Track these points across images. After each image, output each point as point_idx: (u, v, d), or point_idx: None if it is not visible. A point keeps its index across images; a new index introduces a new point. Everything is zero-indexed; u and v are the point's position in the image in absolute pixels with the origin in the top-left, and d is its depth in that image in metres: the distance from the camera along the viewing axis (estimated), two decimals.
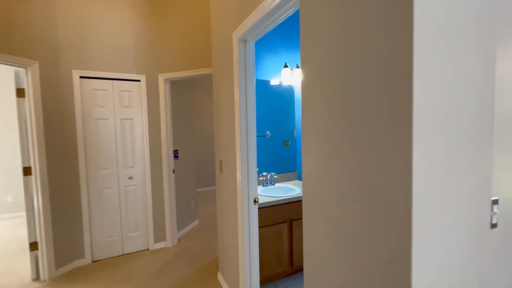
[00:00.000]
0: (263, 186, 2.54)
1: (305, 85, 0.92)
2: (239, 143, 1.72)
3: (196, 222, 3.71)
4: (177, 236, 3.17)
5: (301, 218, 2.28)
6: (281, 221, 2.18)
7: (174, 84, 3.18)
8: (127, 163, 2.83)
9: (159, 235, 3.00)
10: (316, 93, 0.86)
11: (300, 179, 2.87)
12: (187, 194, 3.50)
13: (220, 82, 2.11)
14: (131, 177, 2.84)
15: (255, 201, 1.77)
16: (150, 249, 2.95)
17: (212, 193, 5.62)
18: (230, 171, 1.95)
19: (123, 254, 2.84)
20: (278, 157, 2.71)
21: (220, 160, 2.17)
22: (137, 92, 2.85)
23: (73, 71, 2.54)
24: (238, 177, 1.76)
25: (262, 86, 2.55)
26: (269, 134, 2.64)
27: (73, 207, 2.59)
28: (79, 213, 2.61)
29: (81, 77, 2.59)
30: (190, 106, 3.58)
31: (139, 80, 2.85)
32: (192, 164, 3.60)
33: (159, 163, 2.96)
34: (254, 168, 1.76)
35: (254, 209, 1.78)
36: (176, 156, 3.23)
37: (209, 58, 2.71)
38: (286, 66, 2.54)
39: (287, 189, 2.48)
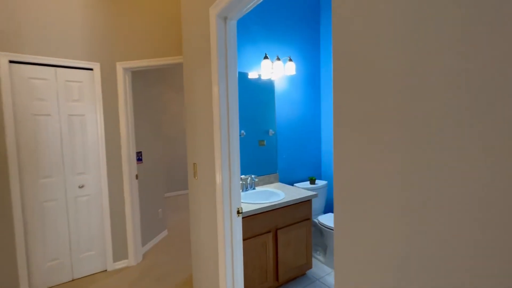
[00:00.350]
0: (243, 191, 2.27)
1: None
2: (220, 144, 1.42)
3: (164, 233, 3.29)
4: (142, 252, 2.74)
5: (287, 226, 2.05)
6: (266, 231, 1.93)
7: (137, 75, 2.74)
8: (77, 169, 2.33)
9: (120, 252, 2.54)
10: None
11: (281, 181, 2.65)
12: (154, 202, 3.07)
13: (194, 71, 1.78)
14: (83, 186, 2.35)
15: (238, 212, 1.49)
16: (108, 270, 2.49)
17: (183, 197, 5.16)
18: (207, 176, 1.64)
19: (73, 280, 2.34)
20: (255, 158, 2.46)
21: (194, 164, 1.85)
22: (89, 83, 2.37)
23: (0, 53, 1.99)
24: (218, 184, 1.46)
25: (239, 79, 2.27)
26: (244, 133, 2.37)
27: (1, 227, 2.03)
28: (10, 234, 2.06)
29: (11, 61, 2.04)
30: (156, 102, 3.15)
31: (91, 69, 2.36)
32: (158, 167, 3.18)
33: (118, 168, 2.50)
34: (237, 174, 1.48)
35: (238, 222, 1.50)
36: (139, 159, 2.79)
37: (179, 43, 2.35)
38: (266, 57, 2.29)
39: (270, 194, 2.24)
